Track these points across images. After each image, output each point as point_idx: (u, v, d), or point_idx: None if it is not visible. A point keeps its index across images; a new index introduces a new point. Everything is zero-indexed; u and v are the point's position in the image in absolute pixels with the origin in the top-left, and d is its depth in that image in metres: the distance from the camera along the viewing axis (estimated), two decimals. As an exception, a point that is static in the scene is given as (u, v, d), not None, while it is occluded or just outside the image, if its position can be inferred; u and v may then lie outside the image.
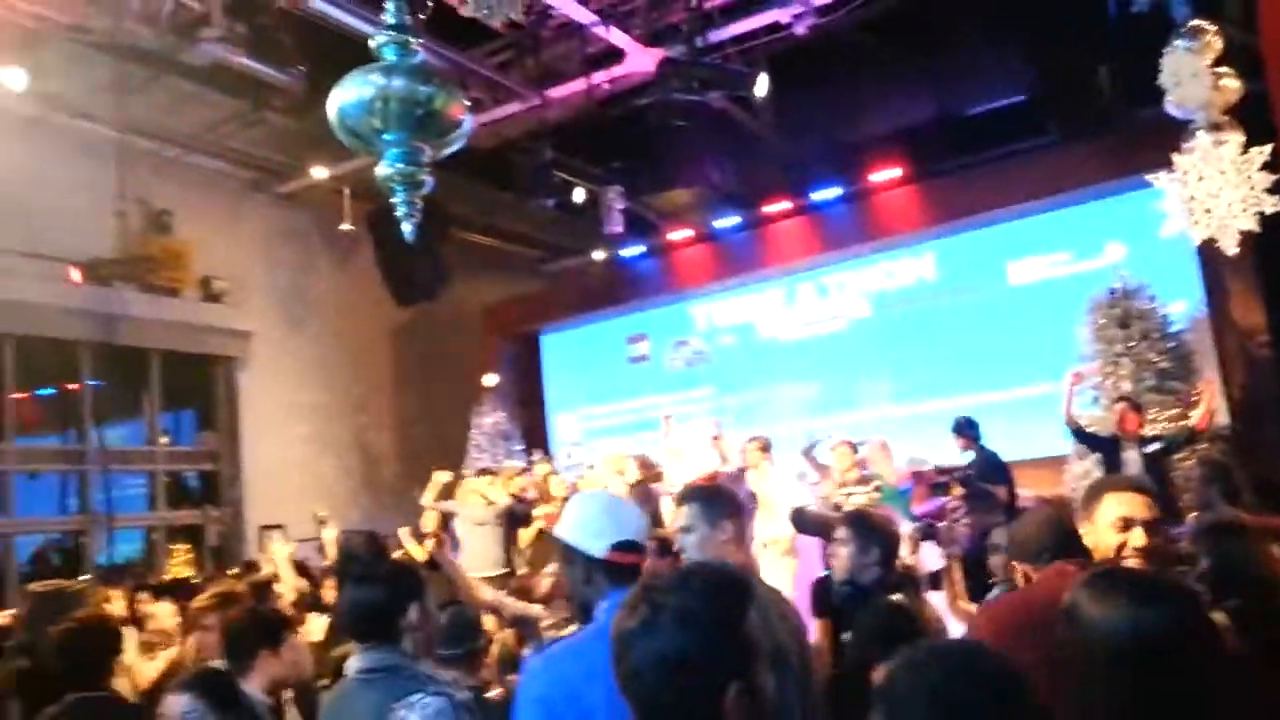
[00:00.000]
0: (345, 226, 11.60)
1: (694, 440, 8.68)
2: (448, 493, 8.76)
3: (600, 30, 8.80)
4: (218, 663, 3.35)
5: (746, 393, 12.37)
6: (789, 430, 10.85)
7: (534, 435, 13.92)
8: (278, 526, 11.30)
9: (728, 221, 12.95)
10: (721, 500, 2.82)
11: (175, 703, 2.87)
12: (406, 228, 3.67)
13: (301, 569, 7.81)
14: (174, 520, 11.64)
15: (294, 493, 11.66)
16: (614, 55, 9.39)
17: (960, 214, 11.04)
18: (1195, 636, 1.56)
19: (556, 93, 9.84)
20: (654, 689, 1.34)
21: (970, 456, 7.74)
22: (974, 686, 1.26)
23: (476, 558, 8.19)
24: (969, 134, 10.69)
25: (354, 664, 2.67)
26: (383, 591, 2.69)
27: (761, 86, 8.08)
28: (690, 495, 2.87)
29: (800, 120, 10.47)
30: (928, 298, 11.76)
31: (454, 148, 3.77)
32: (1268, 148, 4.90)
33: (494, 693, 3.80)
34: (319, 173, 11.19)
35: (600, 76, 9.44)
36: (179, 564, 11.08)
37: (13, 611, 6.11)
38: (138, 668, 4.58)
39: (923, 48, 9.74)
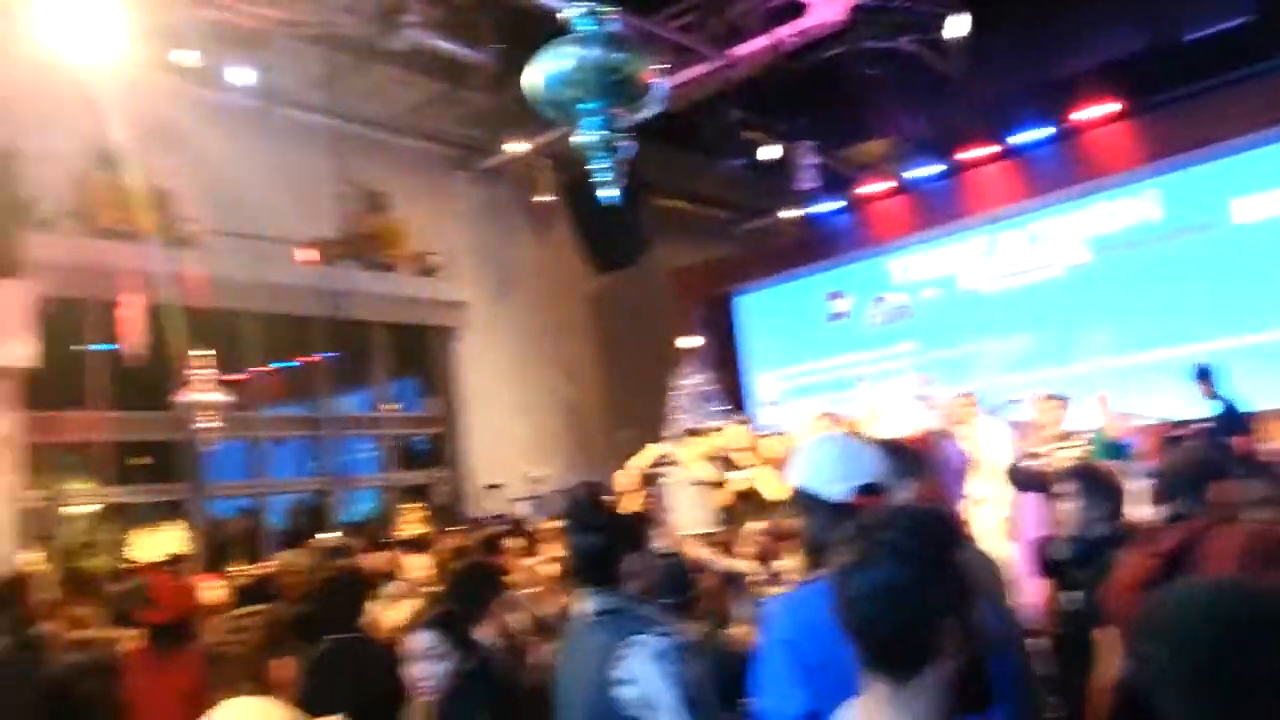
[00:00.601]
0: (543, 198, 11.98)
1: (897, 398, 8.52)
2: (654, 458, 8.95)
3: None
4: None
5: (950, 347, 12.00)
6: (997, 385, 10.51)
7: (732, 397, 14.00)
8: (497, 486, 11.98)
9: (924, 171, 12.53)
10: (903, 458, 2.76)
11: (419, 639, 3.12)
12: (608, 193, 3.80)
13: (517, 525, 8.26)
14: (404, 481, 12.50)
15: (511, 454, 12.31)
16: (796, 9, 9.26)
17: (1180, 149, 10.24)
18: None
19: (741, 51, 9.79)
20: (871, 620, 1.40)
21: (1213, 406, 7.23)
22: (1258, 615, 1.26)
23: (684, 517, 8.36)
24: (1187, 62, 9.86)
25: (583, 607, 2.76)
26: (603, 538, 2.80)
27: (960, 26, 7.78)
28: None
29: (999, 60, 10.01)
30: (1149, 240, 10.99)
31: (650, 111, 3.88)
32: None
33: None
34: (516, 147, 11.60)
35: (785, 31, 9.33)
36: (411, 522, 11.86)
37: (277, 561, 6.72)
38: (386, 614, 5.02)
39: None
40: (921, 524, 1.46)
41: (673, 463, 9.14)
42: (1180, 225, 10.75)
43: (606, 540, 2.76)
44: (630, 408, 13.61)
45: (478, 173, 12.85)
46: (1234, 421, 6.99)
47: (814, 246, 13.81)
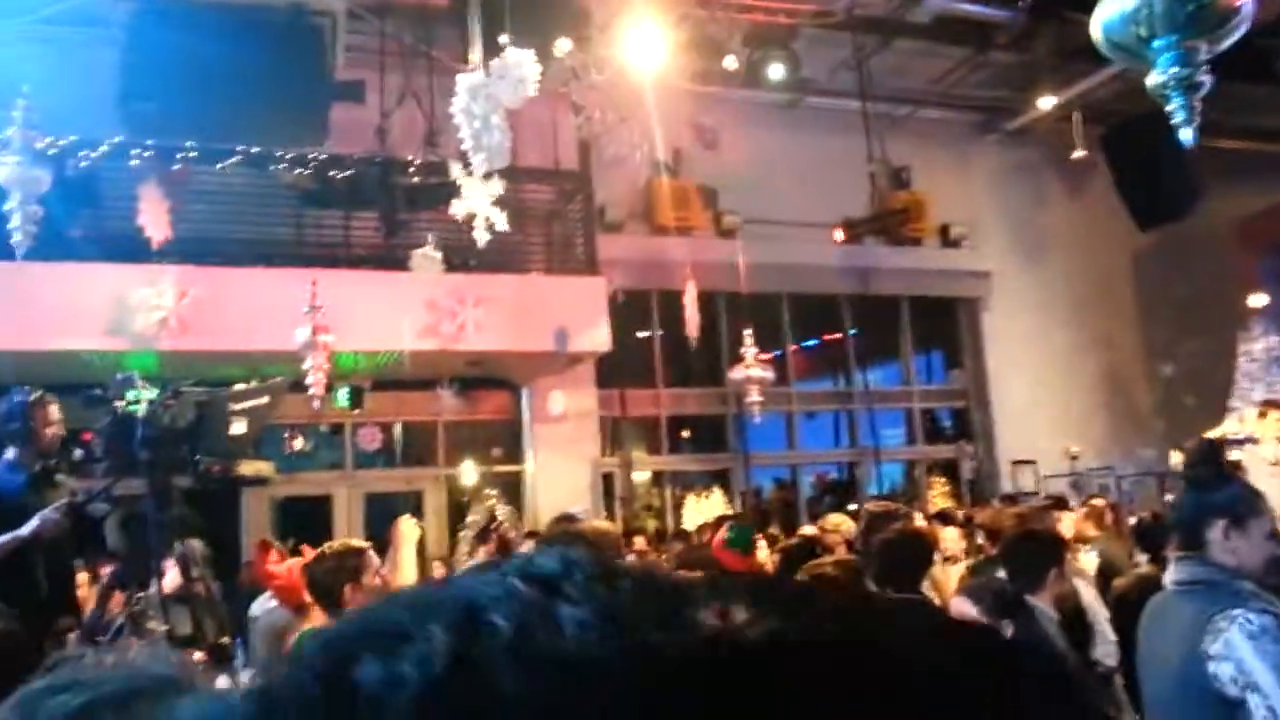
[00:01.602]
0: (1078, 154, 11.20)
1: None
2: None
3: None
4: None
5: None
6: None
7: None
8: (1029, 462, 11.48)
9: None
10: None
11: (963, 605, 3.15)
12: (1186, 135, 3.48)
13: (1057, 503, 7.85)
14: (931, 455, 12.48)
15: (1043, 428, 11.71)
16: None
17: None
18: None
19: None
20: None
21: None
22: None
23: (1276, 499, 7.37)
24: None
25: (1170, 576, 2.64)
26: (1203, 498, 2.62)
27: None
28: None
29: None
30: None
31: (1231, 40, 3.48)
32: None
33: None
34: (1046, 103, 10.96)
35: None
36: (939, 495, 11.82)
37: (825, 523, 7.09)
38: (942, 578, 5.11)
39: None
40: None
41: (1248, 439, 8.10)
42: None
43: (1195, 504, 2.60)
44: (1184, 375, 12.28)
45: (1003, 136, 12.40)
46: None
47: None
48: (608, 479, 10.53)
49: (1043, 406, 12.01)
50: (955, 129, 12.34)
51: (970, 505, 10.03)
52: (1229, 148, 12.10)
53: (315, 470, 9.97)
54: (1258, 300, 11.60)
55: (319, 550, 3.42)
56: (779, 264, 10.92)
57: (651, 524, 10.47)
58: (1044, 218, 12.70)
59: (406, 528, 4.54)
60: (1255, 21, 9.00)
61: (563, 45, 8.07)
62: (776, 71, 9.68)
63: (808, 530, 6.78)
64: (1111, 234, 12.23)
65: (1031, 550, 3.72)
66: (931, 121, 12.06)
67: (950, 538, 6.21)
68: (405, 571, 4.29)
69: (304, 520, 8.59)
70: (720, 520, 6.59)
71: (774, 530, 8.08)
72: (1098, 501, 7.18)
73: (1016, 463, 11.59)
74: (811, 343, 12.61)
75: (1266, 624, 2.27)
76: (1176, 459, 7.66)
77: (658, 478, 11.30)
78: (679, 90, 9.29)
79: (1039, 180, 12.63)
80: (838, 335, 12.26)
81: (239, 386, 4.16)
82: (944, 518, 7.29)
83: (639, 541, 8.14)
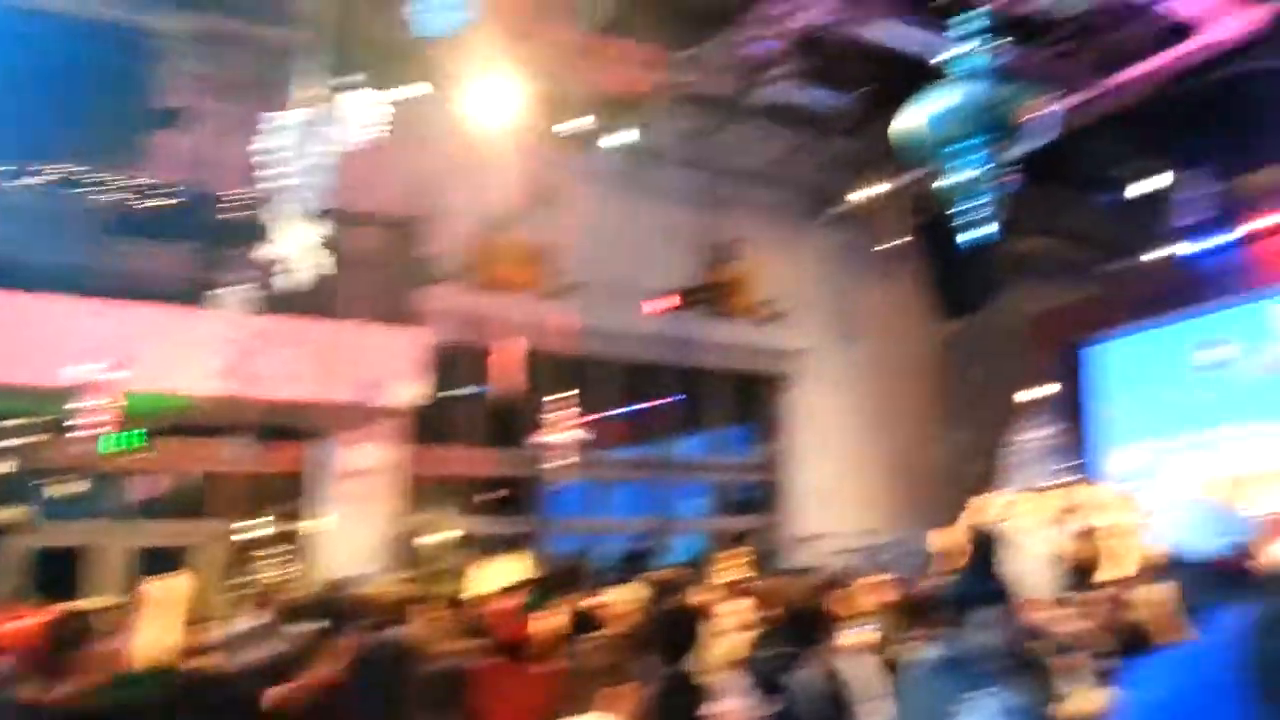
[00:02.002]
0: (895, 242, 11.79)
1: (1272, 465, 7.51)
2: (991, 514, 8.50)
3: (1173, 3, 7.97)
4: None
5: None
6: None
7: (1079, 453, 12.93)
8: (817, 536, 11.81)
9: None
10: None
11: (732, 679, 3.12)
12: (984, 232, 3.64)
13: (837, 577, 8.06)
14: (728, 526, 12.66)
15: (841, 504, 12.12)
16: (1184, 30, 8.47)
17: None
18: None
19: (1123, 78, 9.10)
20: None
21: None
22: None
23: (1024, 579, 7.81)
24: None
25: (930, 651, 2.72)
26: (960, 586, 2.69)
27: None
28: None
29: None
30: None
31: (1034, 145, 3.69)
32: None
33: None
34: (870, 192, 11.51)
35: (1171, 54, 8.56)
36: (732, 566, 11.91)
37: (608, 594, 7.03)
38: (713, 651, 5.11)
39: None
40: None
41: (1013, 520, 8.62)
42: None
43: (972, 589, 2.71)
44: (972, 461, 12.95)
45: (830, 220, 12.90)
46: None
47: (1188, 289, 12.41)
48: (408, 539, 10.15)
49: (843, 482, 12.45)
50: (787, 208, 12.78)
51: (764, 577, 10.17)
52: (1028, 246, 13.03)
53: (82, 519, 9.11)
54: (1037, 393, 12.37)
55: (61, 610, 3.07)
56: (608, 329, 10.96)
57: (450, 588, 10.07)
58: (859, 301, 13.25)
59: (156, 589, 4.14)
60: (1064, 131, 9.75)
61: (417, 89, 7.91)
62: (620, 139, 9.80)
63: (589, 602, 6.73)
64: (921, 321, 12.90)
65: (801, 623, 3.82)
66: (769, 200, 12.48)
67: (738, 609, 6.25)
68: (146, 637, 3.85)
69: (62, 574, 7.84)
70: (513, 586, 6.45)
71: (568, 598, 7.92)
72: (881, 577, 7.38)
73: (811, 537, 11.88)
74: (630, 409, 12.63)
75: (1014, 706, 2.38)
76: (939, 540, 8.02)
77: (465, 539, 10.97)
78: (522, 146, 9.25)
79: (859, 264, 13.17)
80: (656, 403, 12.35)
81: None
82: (733, 589, 7.34)
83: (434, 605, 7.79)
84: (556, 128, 9.55)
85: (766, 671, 3.18)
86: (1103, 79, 9.06)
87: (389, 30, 6.60)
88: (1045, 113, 3.56)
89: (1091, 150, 9.44)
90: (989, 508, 8.64)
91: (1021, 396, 12.54)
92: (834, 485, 12.44)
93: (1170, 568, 2.16)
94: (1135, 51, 8.87)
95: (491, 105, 8.09)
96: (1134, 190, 10.07)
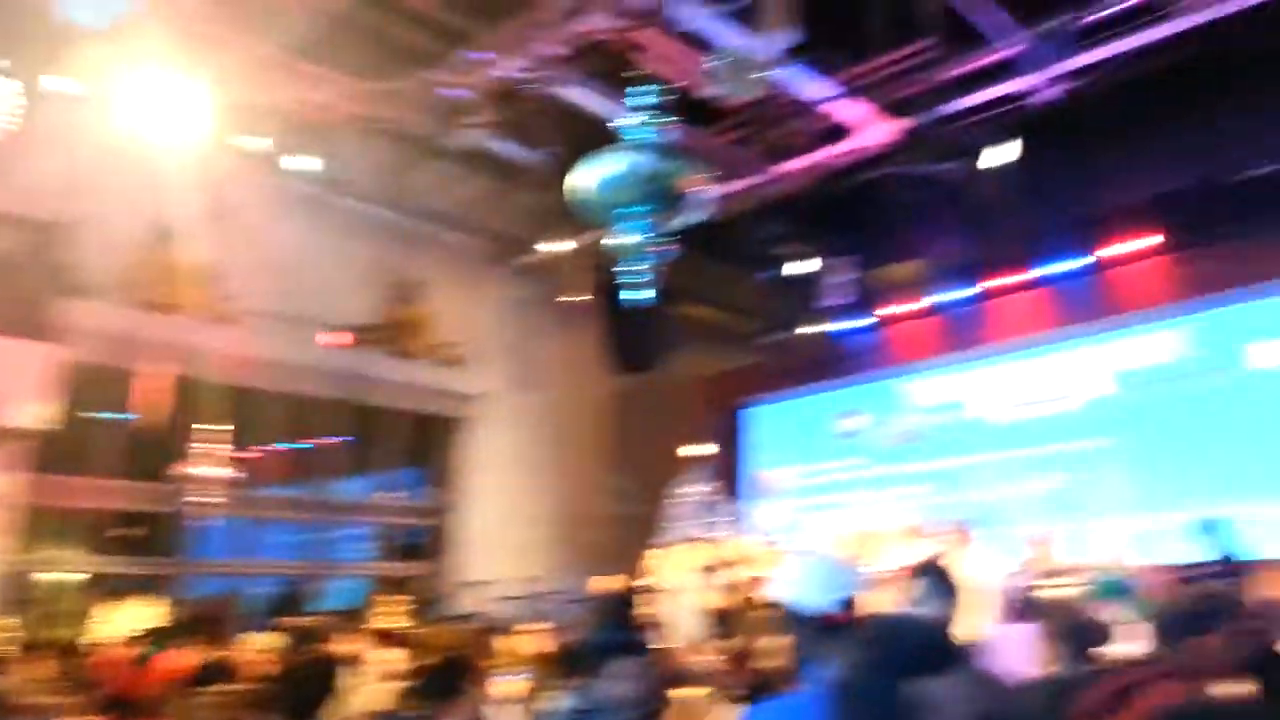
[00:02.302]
0: (575, 298, 12.10)
1: (895, 523, 8.46)
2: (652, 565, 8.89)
3: (832, 105, 8.87)
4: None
5: (957, 474, 11.83)
6: (1001, 516, 10.26)
7: (738, 508, 13.84)
8: (482, 583, 11.77)
9: (953, 295, 12.54)
10: (945, 581, 2.94)
11: None
12: (641, 295, 3.83)
13: (496, 626, 8.12)
14: (389, 571, 12.32)
15: (509, 552, 12.13)
16: (843, 130, 9.44)
17: (1213, 289, 10.17)
18: None
19: (785, 168, 9.97)
20: None
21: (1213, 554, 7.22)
22: None
23: (675, 626, 8.23)
24: (1231, 202, 9.81)
25: (558, 704, 2.77)
26: (596, 636, 2.76)
27: (1009, 153, 7.88)
28: (924, 570, 2.86)
29: (1040, 189, 10.04)
30: (1172, 379, 10.80)
31: (692, 219, 3.93)
32: None
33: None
34: (556, 246, 11.77)
35: (831, 151, 9.51)
36: (390, 613, 11.60)
37: (244, 642, 6.64)
38: (351, 703, 4.91)
39: (1184, 110, 9.16)
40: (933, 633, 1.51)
41: (668, 571, 9.08)
42: (1206, 367, 10.56)
43: (606, 639, 2.76)
44: (638, 515, 13.43)
45: (516, 269, 13.02)
46: (1233, 572, 6.96)
47: (833, 363, 13.77)
48: (21, 578, 8.98)
49: (512, 530, 12.46)
50: (476, 255, 12.78)
51: (423, 624, 9.98)
52: (697, 314, 13.88)
53: None
54: (694, 451, 13.11)
55: None
56: (277, 360, 10.36)
57: (66, 633, 8.98)
58: (539, 351, 13.44)
59: None
60: (731, 211, 10.41)
61: (68, 83, 7.13)
62: (307, 163, 9.40)
63: (222, 651, 6.33)
64: (596, 375, 13.30)
65: (448, 674, 3.77)
66: (457, 243, 12.41)
67: (388, 658, 6.10)
68: None
69: None
70: (137, 634, 5.97)
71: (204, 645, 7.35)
72: (540, 626, 7.47)
73: (475, 583, 11.80)
74: (292, 445, 12.00)
75: None
76: (598, 589, 8.28)
77: (92, 580, 9.86)
78: (196, 159, 8.59)
79: (541, 315, 13.39)
80: (324, 440, 11.81)
81: None
82: (387, 637, 7.16)
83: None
84: (235, 142, 9.00)
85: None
86: (768, 167, 9.88)
87: (37, 16, 5.95)
88: (704, 190, 3.79)
89: (755, 231, 10.28)
90: (651, 559, 8.99)
91: (684, 452, 13.21)
92: (502, 532, 12.42)
93: (786, 621, 2.29)
94: (798, 146, 9.75)
95: (162, 111, 7.49)
96: (790, 271, 11.02)
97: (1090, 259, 11.14)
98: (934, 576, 2.77)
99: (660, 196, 3.69)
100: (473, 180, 10.99)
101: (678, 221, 3.83)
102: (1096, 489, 10.54)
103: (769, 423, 14.85)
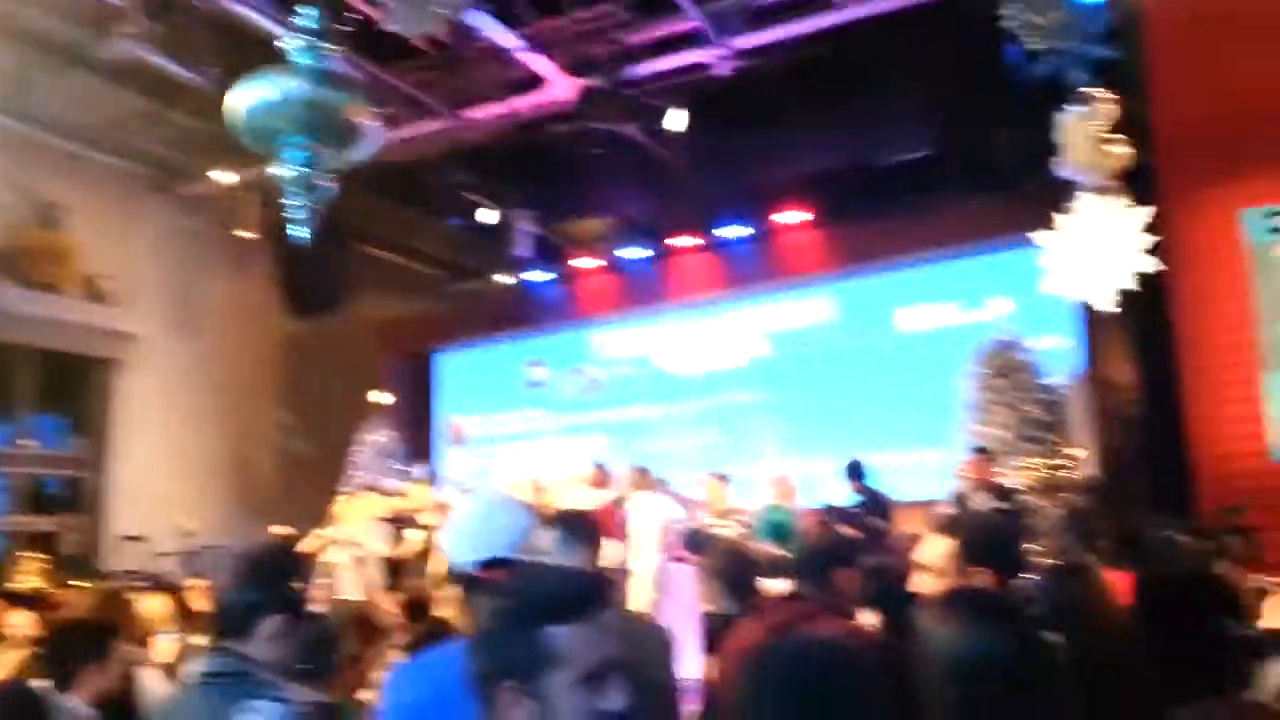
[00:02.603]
0: (244, 233, 11.32)
1: (576, 470, 8.74)
2: (333, 514, 8.63)
3: (523, 56, 8.83)
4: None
5: (637, 423, 12.43)
6: (676, 463, 10.97)
7: (424, 457, 13.71)
8: (139, 538, 10.90)
9: (635, 253, 13.04)
10: (582, 530, 2.88)
11: None
12: (300, 233, 3.62)
13: (163, 582, 7.58)
14: (29, 526, 11.09)
15: (164, 504, 11.25)
16: (535, 81, 9.42)
17: (859, 259, 11.30)
18: (1023, 652, 1.71)
19: (474, 114, 9.81)
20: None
21: (857, 498, 7.99)
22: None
23: (351, 577, 8.07)
24: (876, 183, 10.96)
25: (197, 667, 2.60)
26: (251, 594, 2.61)
27: (678, 121, 8.21)
28: (562, 520, 2.91)
29: (715, 158, 10.63)
30: (824, 340, 11.99)
31: (359, 156, 3.76)
32: (1148, 210, 5.17)
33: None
34: (222, 176, 10.91)
35: (520, 101, 9.47)
36: (28, 572, 10.51)
37: None
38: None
39: (840, 97, 10.00)
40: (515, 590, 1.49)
41: (348, 521, 8.86)
42: (853, 329, 11.82)
43: (254, 597, 2.60)
44: (314, 461, 12.94)
45: (176, 198, 11.93)
46: (878, 510, 7.76)
47: (520, 314, 13.94)
48: None
49: (171, 481, 11.58)
50: (127, 179, 11.57)
51: (64, 583, 9.10)
52: (381, 258, 13.47)
53: None
54: (379, 397, 12.83)
55: None
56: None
57: None
58: (206, 289, 12.48)
59: None
60: (418, 155, 10.09)
61: None
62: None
63: None
64: (268, 318, 12.55)
65: (83, 637, 3.44)
66: (105, 166, 11.16)
67: (20, 621, 5.49)
68: None
69: None
70: None
71: None
72: (197, 583, 7.00)
73: (127, 538, 10.90)
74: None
75: (281, 714, 2.31)
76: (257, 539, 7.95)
77: None
78: None
79: (206, 251, 12.42)
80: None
81: None
82: (15, 599, 6.43)
83: None
84: None
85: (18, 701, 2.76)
86: (456, 112, 9.69)
87: None
88: (372, 125, 3.63)
89: (444, 177, 10.05)
90: (331, 509, 8.66)
91: (366, 400, 12.85)
92: (163, 483, 11.51)
93: (450, 572, 2.20)
94: (487, 94, 9.63)
95: None
96: (479, 219, 10.90)
97: (755, 228, 11.99)
98: (571, 525, 2.83)
99: (322, 128, 3.49)
100: (126, 97, 9.87)
101: (344, 157, 3.64)
102: (759, 438, 11.47)
103: (457, 371, 14.77)
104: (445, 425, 14.30)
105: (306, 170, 3.54)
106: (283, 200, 3.70)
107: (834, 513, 7.71)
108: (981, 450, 7.73)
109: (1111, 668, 2.33)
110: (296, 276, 10.91)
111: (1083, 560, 4.44)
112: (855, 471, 8.14)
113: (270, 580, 2.77)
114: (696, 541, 6.55)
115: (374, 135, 3.66)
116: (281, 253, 11.09)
